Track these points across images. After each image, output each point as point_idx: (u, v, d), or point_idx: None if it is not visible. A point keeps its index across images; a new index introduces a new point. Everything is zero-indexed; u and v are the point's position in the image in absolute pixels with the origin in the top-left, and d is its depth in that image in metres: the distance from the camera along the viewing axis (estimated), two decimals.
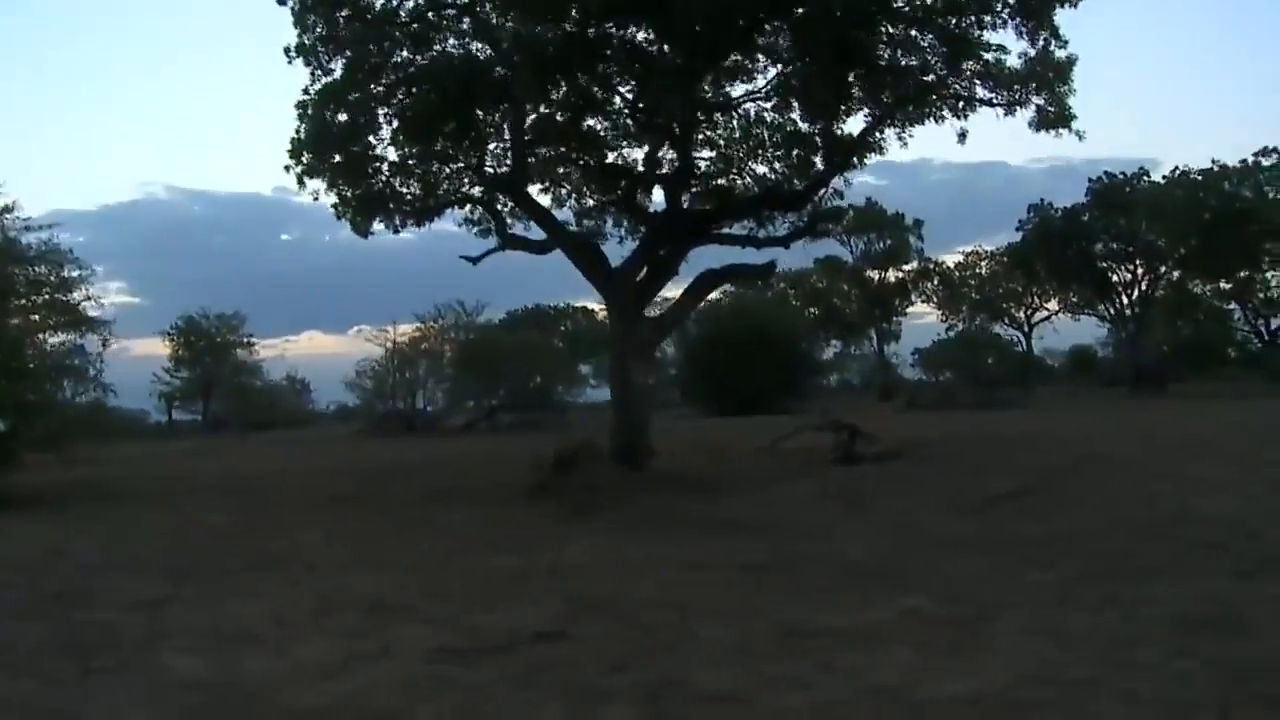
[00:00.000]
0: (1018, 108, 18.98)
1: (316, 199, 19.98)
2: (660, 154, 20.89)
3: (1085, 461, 18.35)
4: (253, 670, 7.25)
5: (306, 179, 19.61)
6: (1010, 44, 18.53)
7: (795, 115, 20.69)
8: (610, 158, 21.64)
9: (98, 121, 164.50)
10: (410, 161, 20.97)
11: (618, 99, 20.42)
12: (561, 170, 22.22)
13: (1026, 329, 76.15)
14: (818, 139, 20.29)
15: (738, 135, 21.42)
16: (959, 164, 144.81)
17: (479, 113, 19.21)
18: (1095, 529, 11.70)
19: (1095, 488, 14.95)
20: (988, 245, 73.16)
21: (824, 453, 21.09)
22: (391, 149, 20.51)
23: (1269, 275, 59.19)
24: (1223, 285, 60.64)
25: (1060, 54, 18.63)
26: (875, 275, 74.22)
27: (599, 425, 44.24)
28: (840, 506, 14.77)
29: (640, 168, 20.96)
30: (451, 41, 19.54)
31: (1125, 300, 63.88)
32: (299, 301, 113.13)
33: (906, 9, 17.59)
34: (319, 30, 19.17)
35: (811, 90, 18.81)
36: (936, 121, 19.51)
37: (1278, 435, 21.51)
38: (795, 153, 20.97)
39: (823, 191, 21.55)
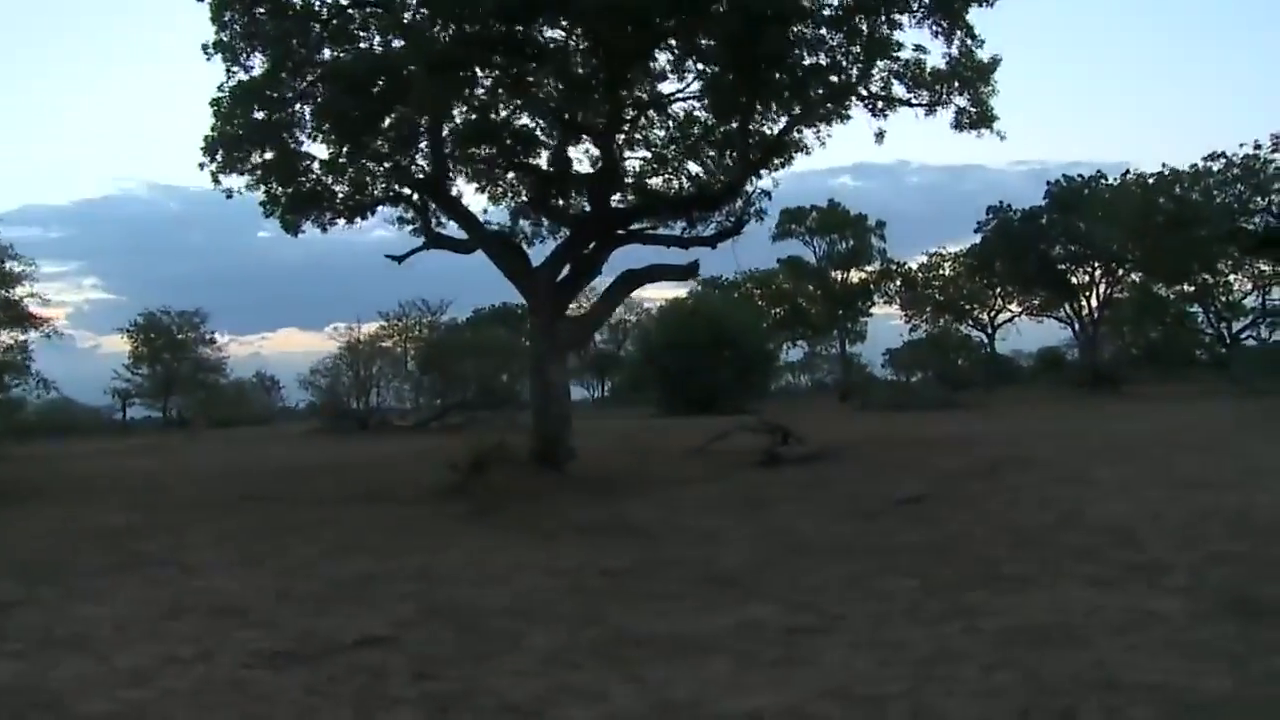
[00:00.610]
0: (939, 108, 18.89)
1: (231, 197, 19.67)
2: (583, 154, 20.76)
3: (1002, 464, 18.32)
4: (63, 675, 7.08)
5: (221, 176, 19.33)
6: (930, 45, 18.47)
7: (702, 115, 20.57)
8: (543, 158, 21.48)
9: (73, 116, 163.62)
10: (341, 160, 20.71)
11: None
12: (493, 170, 22.00)
13: (990, 330, 76.22)
14: (734, 140, 20.10)
15: (664, 136, 21.28)
16: (937, 166, 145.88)
17: (397, 112, 18.84)
18: (979, 535, 11.58)
19: (998, 491, 14.88)
20: (953, 247, 73.14)
21: (754, 454, 21.03)
22: (322, 147, 20.27)
23: (1231, 279, 59.28)
24: (1186, 288, 60.63)
25: (982, 55, 18.60)
26: (838, 276, 74.20)
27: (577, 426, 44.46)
28: (738, 510, 14.64)
29: (552, 168, 20.71)
30: (377, 40, 19.34)
31: (1085, 303, 64.12)
32: (276, 298, 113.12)
33: (817, 8, 17.45)
34: (238, 27, 18.97)
35: (723, 91, 18.67)
36: (842, 121, 19.43)
37: (1201, 438, 21.59)
38: (711, 154, 20.85)
39: (750, 190, 21.44)
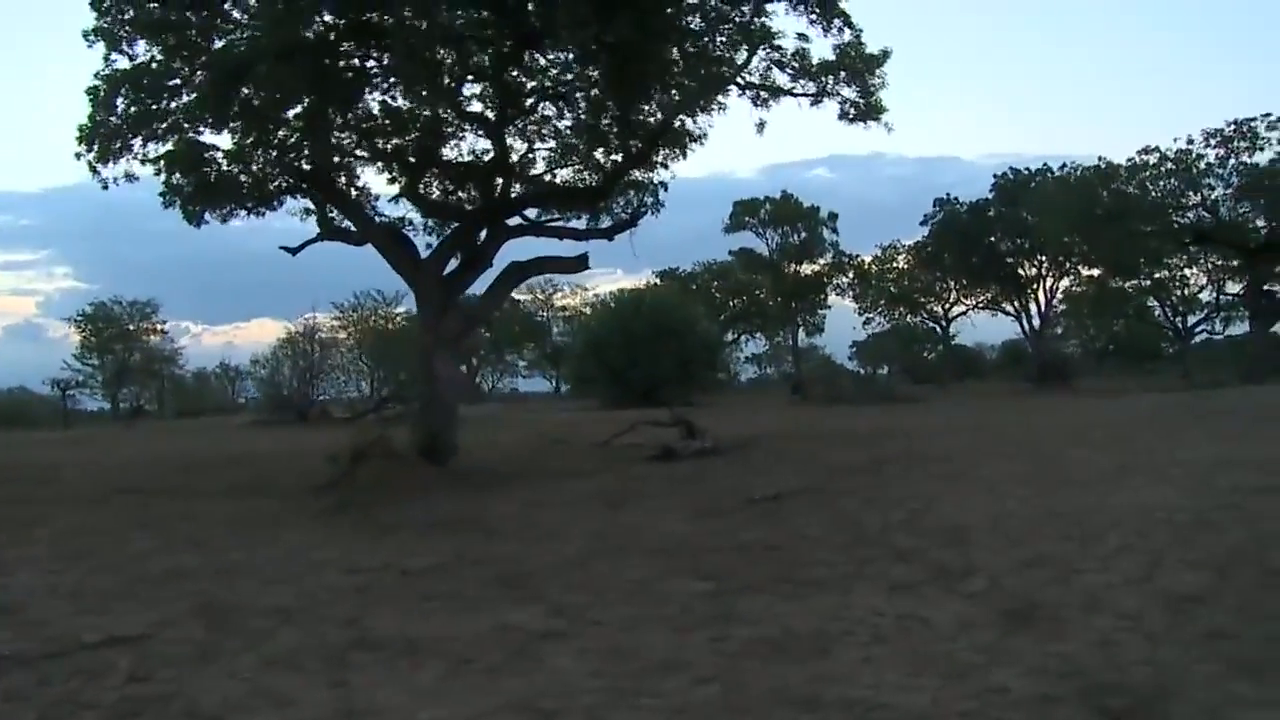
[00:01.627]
0: (825, 99, 18.72)
1: (106, 188, 19.27)
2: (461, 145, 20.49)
3: (893, 460, 18.28)
4: None
5: (100, 166, 18.96)
6: (813, 34, 18.26)
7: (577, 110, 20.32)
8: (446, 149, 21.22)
9: (41, 99, 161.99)
10: (245, 148, 20.38)
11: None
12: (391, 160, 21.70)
13: (944, 324, 76.44)
14: (613, 130, 19.88)
15: (548, 127, 21.02)
16: (912, 159, 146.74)
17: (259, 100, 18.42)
18: (815, 535, 11.34)
19: (867, 489, 14.73)
20: (909, 240, 73.19)
21: (655, 449, 20.94)
22: (226, 137, 19.88)
23: (1186, 274, 59.64)
24: (1142, 283, 60.97)
25: (873, 47, 18.47)
26: (791, 268, 74.18)
27: (496, 418, 44.18)
28: (596, 507, 14.39)
29: (420, 157, 20.42)
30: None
31: (1035, 296, 64.37)
32: (249, 287, 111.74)
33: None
34: (118, 14, 18.60)
35: (591, 81, 18.47)
36: (720, 110, 19.25)
37: (1111, 433, 21.63)
38: (588, 144, 20.62)
39: (646, 182, 21.25)
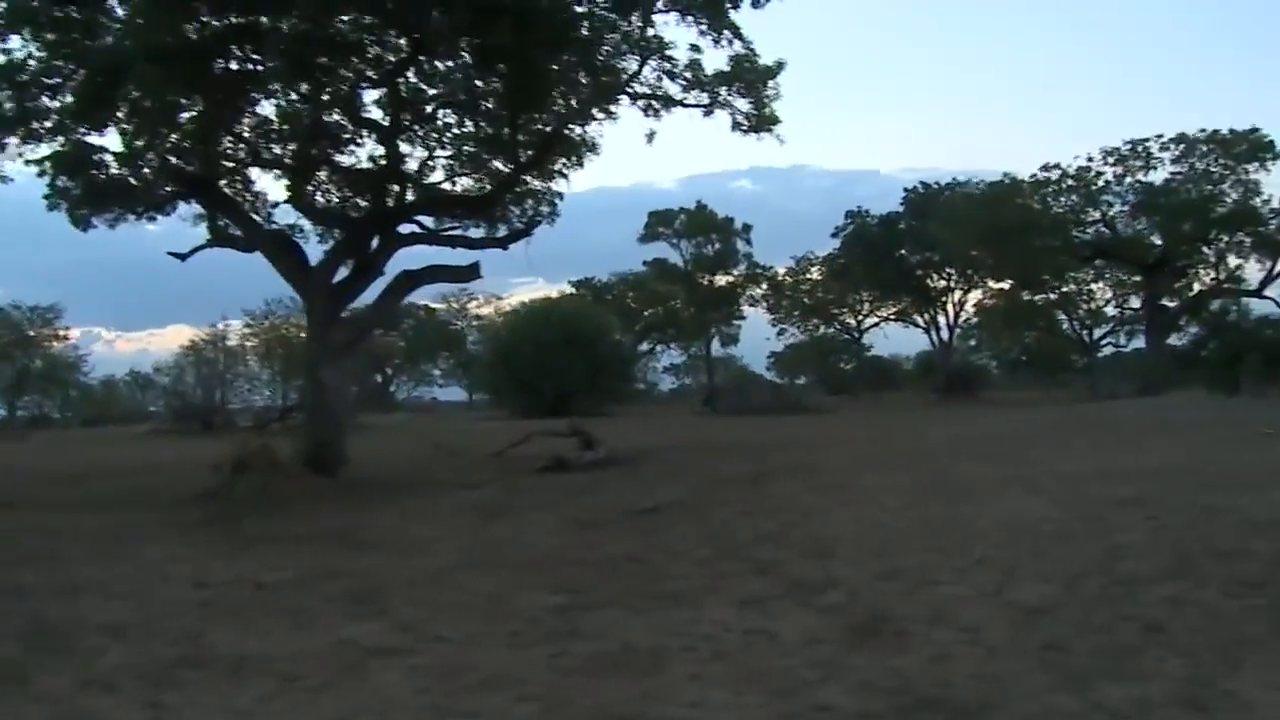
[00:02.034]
0: (717, 110, 18.72)
1: None
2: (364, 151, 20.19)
3: (778, 471, 18.34)
4: None
5: None
6: (703, 45, 18.25)
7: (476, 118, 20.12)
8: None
9: None
10: (135, 152, 19.86)
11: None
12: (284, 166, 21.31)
13: (857, 335, 76.95)
14: (501, 138, 19.71)
15: (437, 135, 20.76)
16: (834, 171, 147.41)
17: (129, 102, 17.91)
18: (683, 548, 11.26)
19: (746, 500, 14.73)
20: (822, 251, 73.39)
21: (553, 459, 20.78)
22: (115, 139, 19.35)
23: (1093, 288, 60.66)
24: (1050, 296, 61.89)
25: (767, 60, 18.49)
26: (705, 279, 74.14)
27: (401, 427, 43.71)
28: (474, 519, 14.21)
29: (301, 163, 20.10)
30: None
31: (944, 308, 65.05)
32: (166, 293, 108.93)
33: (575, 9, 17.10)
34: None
35: (475, 90, 18.30)
36: (611, 119, 19.18)
37: (1000, 445, 21.85)
38: (479, 152, 20.43)
39: (542, 191, 21.12)
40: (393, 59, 18.17)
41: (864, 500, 14.15)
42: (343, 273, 19.78)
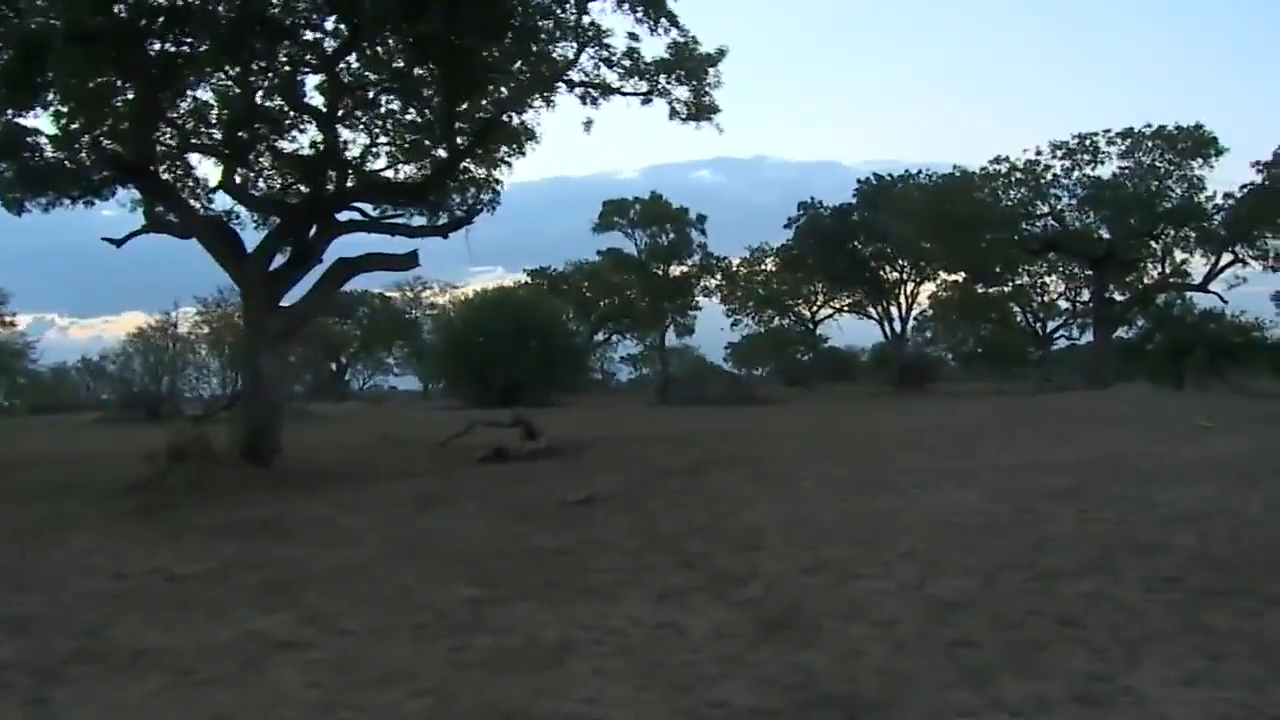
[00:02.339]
0: (656, 98, 18.60)
1: None
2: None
3: (719, 461, 18.41)
4: None
5: None
6: (641, 33, 18.10)
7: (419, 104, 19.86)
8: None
9: None
10: (68, 135, 19.46)
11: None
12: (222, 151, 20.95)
13: (812, 326, 77.09)
14: (438, 125, 19.47)
15: (378, 121, 20.50)
16: (794, 163, 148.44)
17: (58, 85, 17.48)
18: (613, 539, 11.15)
19: (684, 491, 14.74)
20: (774, 242, 73.32)
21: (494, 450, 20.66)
22: (48, 122, 18.91)
23: (1047, 280, 61.06)
24: (1004, 289, 62.27)
25: (706, 47, 18.39)
26: (660, 269, 73.93)
27: (351, 417, 43.43)
28: (405, 509, 14.04)
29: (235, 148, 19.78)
30: None
31: (897, 300, 65.30)
32: (121, 279, 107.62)
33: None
34: None
35: (405, 75, 18.05)
36: (549, 107, 19.03)
37: (944, 437, 22.01)
38: (412, 139, 20.21)
39: (484, 178, 20.93)
40: (333, 44, 17.87)
41: (800, 492, 14.18)
42: (280, 260, 19.42)
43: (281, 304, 19.32)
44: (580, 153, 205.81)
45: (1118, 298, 53.97)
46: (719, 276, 75.38)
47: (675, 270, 73.77)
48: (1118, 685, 5.76)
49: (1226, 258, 51.38)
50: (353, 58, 18.96)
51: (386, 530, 12.39)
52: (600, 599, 8.34)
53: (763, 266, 75.59)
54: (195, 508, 14.49)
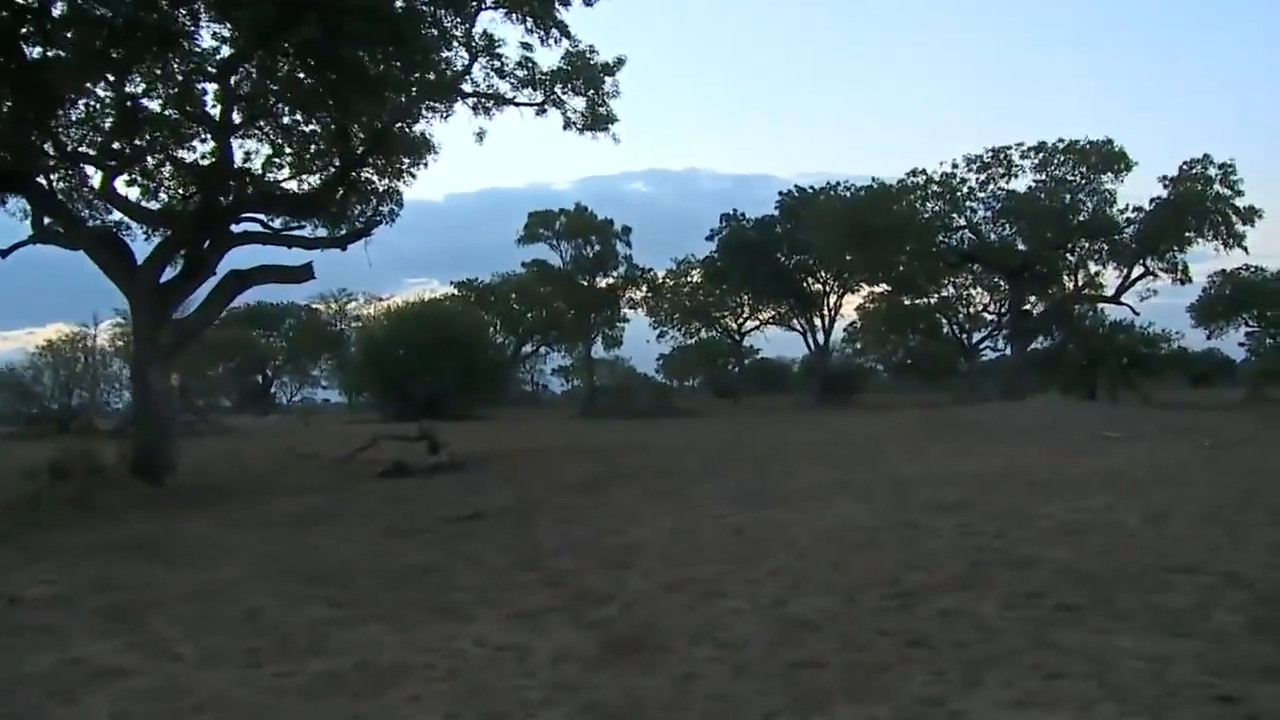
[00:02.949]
0: (551, 108, 18.40)
1: None
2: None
3: (624, 475, 18.30)
4: None
5: None
6: (534, 44, 17.90)
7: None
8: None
9: None
10: None
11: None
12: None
13: (738, 338, 77.12)
14: (328, 135, 19.13)
15: (269, 131, 20.08)
16: (728, 175, 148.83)
17: None
18: (486, 557, 10.91)
19: (576, 508, 14.59)
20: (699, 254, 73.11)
21: (393, 464, 20.37)
22: None
23: (972, 293, 61.54)
24: (929, 301, 62.66)
25: (603, 57, 18.22)
26: (585, 281, 73.53)
27: (264, 431, 42.73)
28: (287, 527, 13.75)
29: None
30: None
31: (821, 312, 65.49)
32: (46, 289, 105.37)
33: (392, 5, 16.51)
34: None
35: (290, 84, 17.70)
36: (443, 118, 18.74)
37: (852, 449, 21.97)
38: (305, 149, 19.82)
39: (382, 190, 20.60)
40: (229, 51, 17.50)
41: (693, 506, 14.07)
42: (171, 272, 18.97)
43: (175, 317, 18.85)
44: (516, 165, 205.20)
45: (1033, 309, 54.54)
46: (644, 288, 75.06)
47: (601, 282, 73.44)
48: (949, 709, 5.62)
49: (1138, 270, 52.11)
50: (251, 66, 18.58)
51: (262, 549, 12.09)
52: (453, 619, 8.12)
53: (689, 279, 75.31)
54: (72, 527, 14.12)
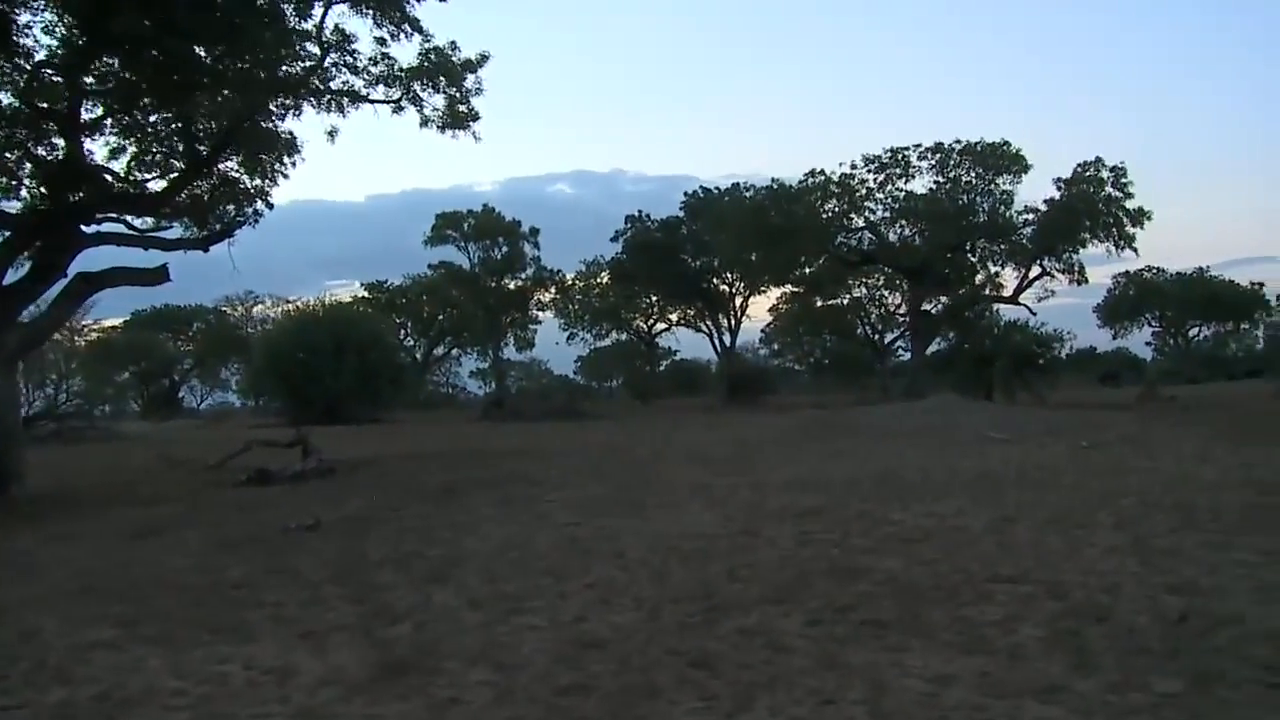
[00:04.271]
0: (409, 105, 17.92)
1: None
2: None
3: (488, 482, 17.88)
4: None
5: None
6: (386, 40, 17.40)
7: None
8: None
9: None
10: None
11: None
12: None
13: (648, 339, 77.01)
14: (171, 133, 18.49)
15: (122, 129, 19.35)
16: (652, 176, 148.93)
17: None
18: (306, 569, 10.42)
19: (428, 515, 14.12)
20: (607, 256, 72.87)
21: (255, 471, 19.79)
22: None
23: (885, 294, 61.88)
24: (842, 301, 62.90)
25: (466, 54, 17.79)
26: (493, 283, 73.05)
27: (149, 437, 41.68)
28: (124, 539, 13.09)
29: None
30: None
31: (728, 313, 65.52)
32: None
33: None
34: None
35: (118, 80, 17.05)
36: (295, 115, 18.22)
37: (731, 450, 21.80)
38: (148, 146, 19.15)
39: (247, 189, 19.96)
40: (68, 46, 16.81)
41: (540, 514, 13.72)
42: (15, 274, 18.19)
43: (20, 320, 18.12)
44: (440, 165, 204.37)
45: (931, 310, 54.89)
46: (553, 290, 74.71)
47: (510, 284, 72.98)
48: None
49: (1035, 271, 52.60)
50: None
51: (83, 563, 11.55)
52: (235, 639, 7.68)
53: (598, 280, 75.03)
54: None
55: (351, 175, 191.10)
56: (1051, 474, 16.12)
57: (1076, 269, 51.30)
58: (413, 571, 10.14)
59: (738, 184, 61.36)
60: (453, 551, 11.19)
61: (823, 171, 51.75)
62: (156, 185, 20.00)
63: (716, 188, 63.45)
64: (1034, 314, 52.22)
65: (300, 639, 7.67)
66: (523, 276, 72.87)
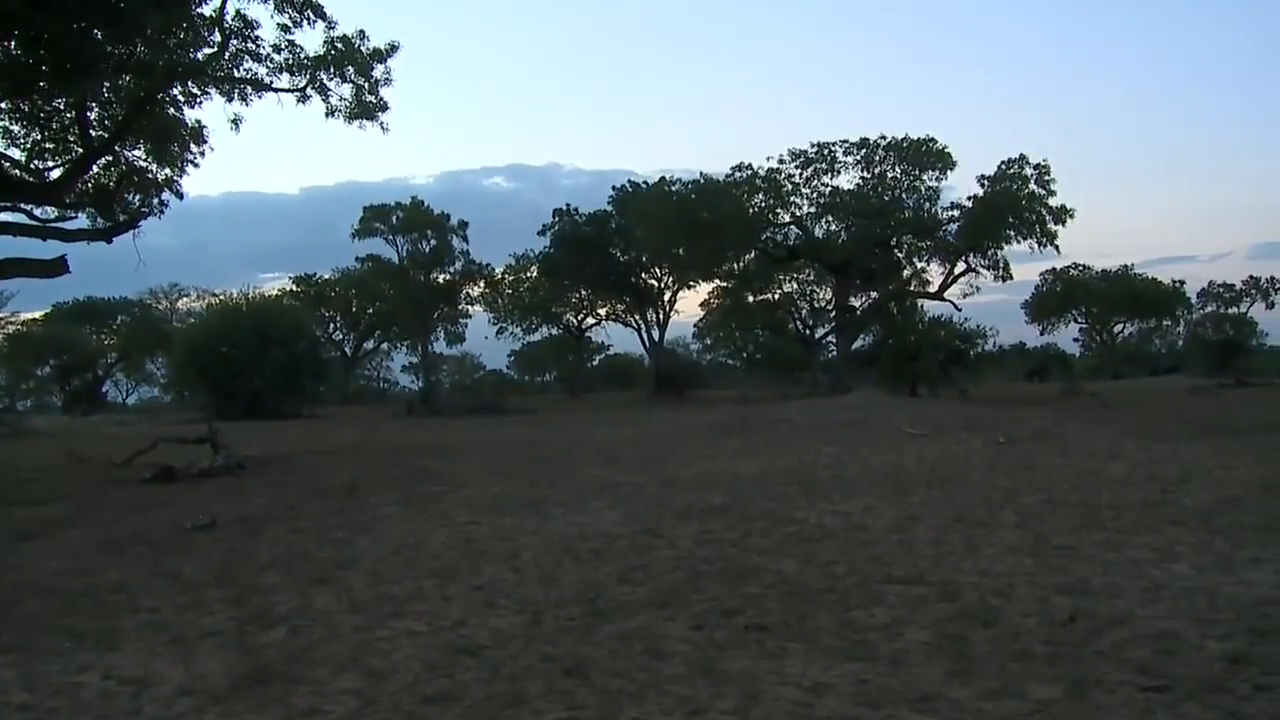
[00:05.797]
0: (314, 95, 17.57)
1: None
2: None
3: (392, 479, 17.75)
4: None
5: None
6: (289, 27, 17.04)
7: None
8: None
9: None
10: None
11: None
12: None
13: (578, 334, 76.68)
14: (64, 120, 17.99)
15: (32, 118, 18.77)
16: (589, 170, 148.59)
17: None
18: (194, 573, 10.11)
19: (326, 514, 13.83)
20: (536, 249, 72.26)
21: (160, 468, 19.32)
22: None
23: (816, 289, 62.01)
24: (773, 296, 62.93)
25: (375, 43, 17.48)
26: (421, 276, 72.20)
27: (64, 433, 40.82)
28: (9, 541, 12.71)
29: None
30: None
31: (657, 307, 65.40)
32: None
33: None
34: None
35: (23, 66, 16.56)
36: (196, 104, 17.81)
37: (645, 447, 21.66)
38: (35, 133, 18.64)
39: (168, 180, 19.52)
40: None
41: (439, 514, 13.50)
42: None
43: None
44: (375, 157, 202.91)
45: (856, 305, 55.13)
46: (482, 284, 74.01)
47: (438, 278, 72.16)
48: None
49: (961, 267, 52.95)
50: None
51: None
52: (99, 648, 7.38)
53: (527, 274, 74.40)
54: None
55: (286, 167, 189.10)
56: (963, 470, 16.20)
57: (1001, 265, 51.82)
58: (301, 573, 9.87)
59: (664, 177, 61.26)
60: (344, 552, 10.93)
61: (749, 166, 51.75)
62: (58, 174, 19.50)
63: (645, 182, 63.35)
64: (959, 310, 52.61)
65: (169, 646, 7.39)
66: (451, 270, 71.98)
